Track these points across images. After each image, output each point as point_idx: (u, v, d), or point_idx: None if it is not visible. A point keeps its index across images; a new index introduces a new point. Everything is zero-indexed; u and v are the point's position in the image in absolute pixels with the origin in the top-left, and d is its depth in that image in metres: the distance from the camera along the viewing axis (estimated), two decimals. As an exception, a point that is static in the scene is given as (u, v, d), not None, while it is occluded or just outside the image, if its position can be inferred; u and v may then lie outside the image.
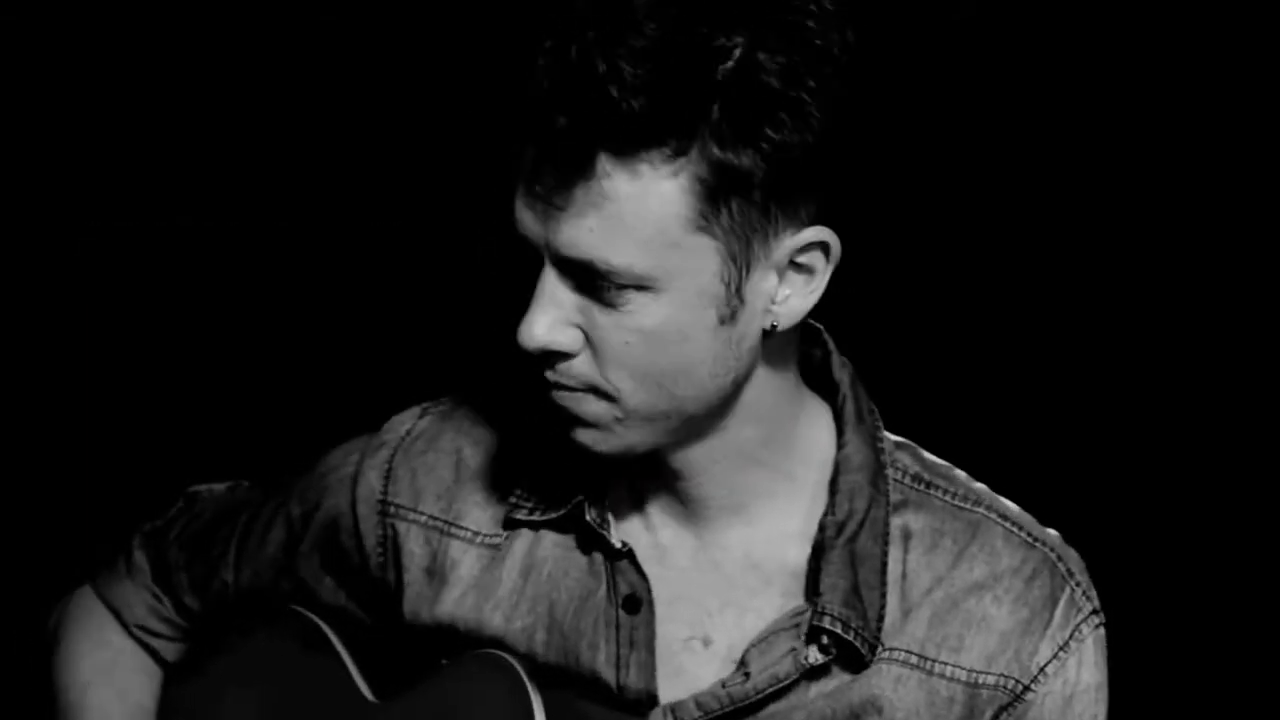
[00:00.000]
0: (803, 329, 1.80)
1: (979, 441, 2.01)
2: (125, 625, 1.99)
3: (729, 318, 1.65)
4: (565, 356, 1.66)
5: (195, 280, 2.82)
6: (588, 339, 1.65)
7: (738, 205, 1.60)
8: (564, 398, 1.68)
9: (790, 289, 1.67)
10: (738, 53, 1.57)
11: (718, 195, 1.59)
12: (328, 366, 2.81)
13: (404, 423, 1.90)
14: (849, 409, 1.79)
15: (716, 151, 1.58)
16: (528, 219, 1.63)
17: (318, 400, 2.76)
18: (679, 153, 1.58)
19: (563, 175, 1.59)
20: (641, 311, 1.63)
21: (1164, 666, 2.72)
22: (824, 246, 1.66)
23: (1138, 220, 2.73)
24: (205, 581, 1.96)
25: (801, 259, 1.66)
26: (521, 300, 1.67)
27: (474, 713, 1.77)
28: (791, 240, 1.64)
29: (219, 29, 2.74)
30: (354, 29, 2.74)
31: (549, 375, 1.67)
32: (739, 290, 1.64)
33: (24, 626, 2.11)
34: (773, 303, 1.67)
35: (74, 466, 2.81)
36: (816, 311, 1.75)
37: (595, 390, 1.67)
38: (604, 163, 1.58)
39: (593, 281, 1.62)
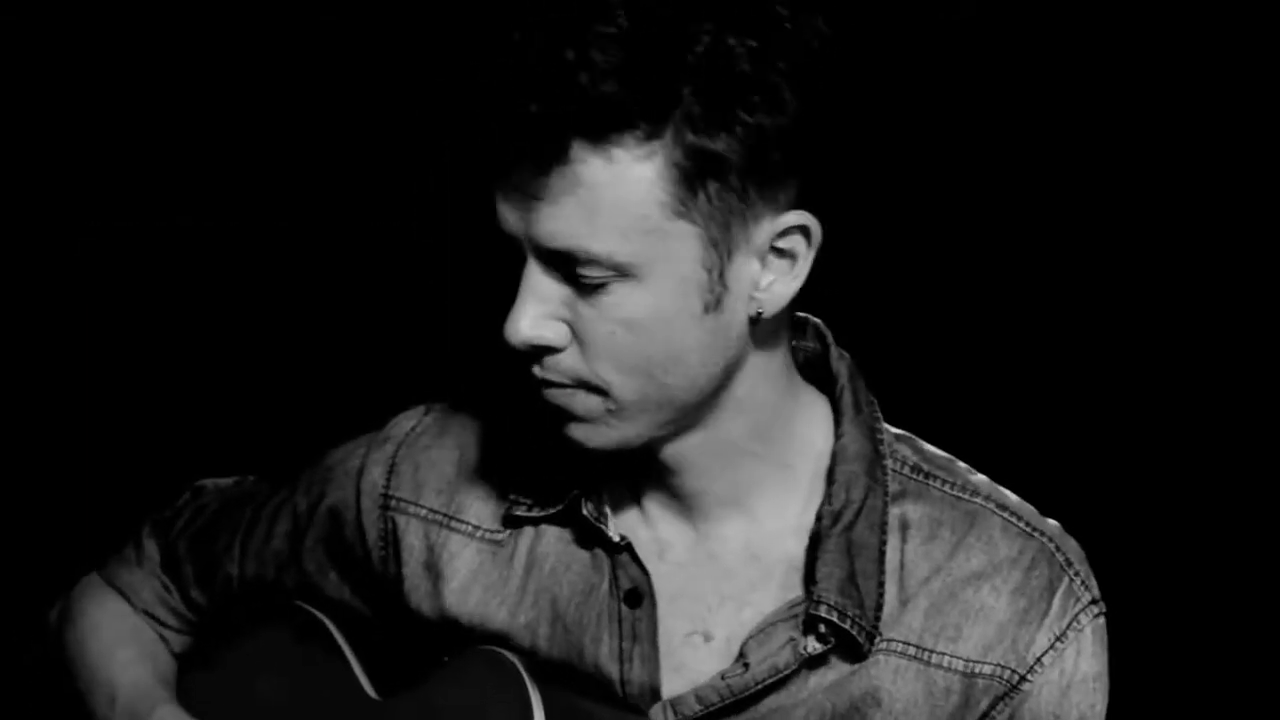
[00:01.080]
0: (801, 323, 1.80)
1: (981, 435, 2.02)
2: (134, 607, 2.00)
3: (713, 305, 1.65)
4: (552, 351, 1.66)
5: (197, 280, 2.82)
6: (574, 333, 1.65)
7: (715, 189, 1.60)
8: (555, 394, 1.68)
9: (773, 274, 1.67)
10: (707, 38, 1.58)
11: (694, 179, 1.59)
12: (332, 365, 2.81)
13: (409, 420, 1.91)
14: (846, 400, 1.79)
15: (690, 136, 1.58)
16: (508, 213, 1.63)
17: (323, 398, 2.77)
18: (652, 136, 1.58)
19: (538, 164, 1.59)
20: (625, 301, 1.63)
21: (1167, 658, 2.72)
22: (805, 231, 1.66)
23: (1135, 213, 2.73)
24: (210, 575, 1.97)
25: (783, 244, 1.66)
26: (508, 298, 1.67)
27: (474, 710, 1.77)
28: (771, 225, 1.64)
29: (219, 29, 2.74)
30: (354, 29, 2.73)
31: (538, 372, 1.67)
32: (722, 276, 1.64)
33: (25, 625, 2.11)
34: (756, 289, 1.66)
35: (77, 465, 2.81)
36: (817, 306, 1.76)
37: (585, 384, 1.67)
38: (577, 149, 1.58)
39: (575, 272, 1.62)
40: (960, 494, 1.79)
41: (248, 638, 1.94)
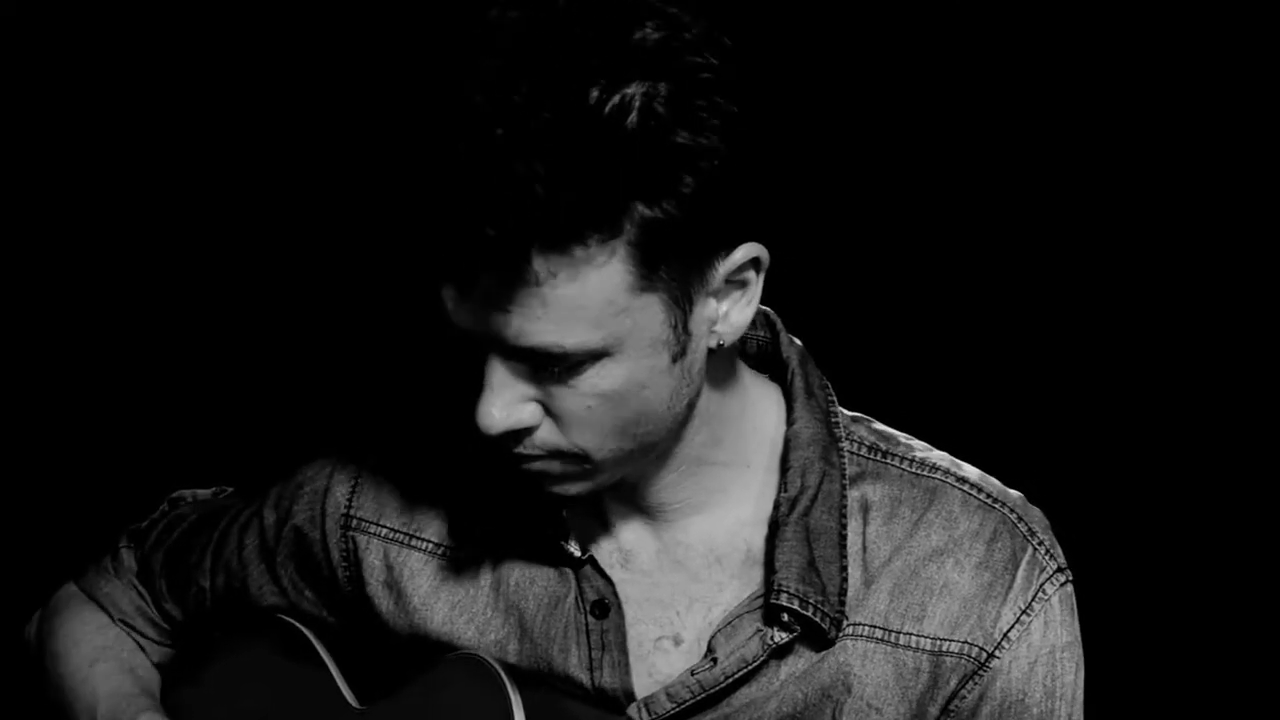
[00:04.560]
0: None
1: (946, 416, 1.99)
2: (112, 619, 2.01)
3: (679, 354, 1.63)
4: (529, 430, 1.64)
5: (187, 285, 2.83)
6: (546, 409, 1.63)
7: (674, 255, 1.58)
8: (534, 465, 1.66)
9: (728, 305, 1.65)
10: (634, 115, 1.52)
11: (652, 254, 1.56)
12: (311, 377, 2.81)
13: (374, 440, 1.91)
14: (798, 385, 1.77)
15: (644, 211, 1.54)
16: (466, 317, 1.59)
17: (302, 408, 2.76)
18: (613, 233, 1.54)
19: (501, 279, 1.55)
20: (598, 377, 1.60)
21: (1146, 634, 2.67)
22: (754, 261, 1.64)
23: (1120, 204, 2.70)
24: (183, 588, 1.98)
25: (736, 277, 1.64)
26: (469, 378, 1.64)
27: (454, 714, 1.76)
28: (724, 265, 1.62)
29: (219, 29, 2.74)
30: (354, 29, 2.74)
31: (516, 450, 1.65)
32: (685, 326, 1.62)
33: (15, 628, 2.13)
34: (714, 324, 1.65)
35: (62, 468, 2.82)
36: (783, 300, 1.74)
37: (562, 454, 1.65)
38: (539, 261, 1.53)
39: (546, 363, 1.59)
40: (919, 471, 1.76)
41: (230, 652, 1.95)
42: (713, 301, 1.63)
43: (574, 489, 1.69)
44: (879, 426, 1.81)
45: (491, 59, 1.53)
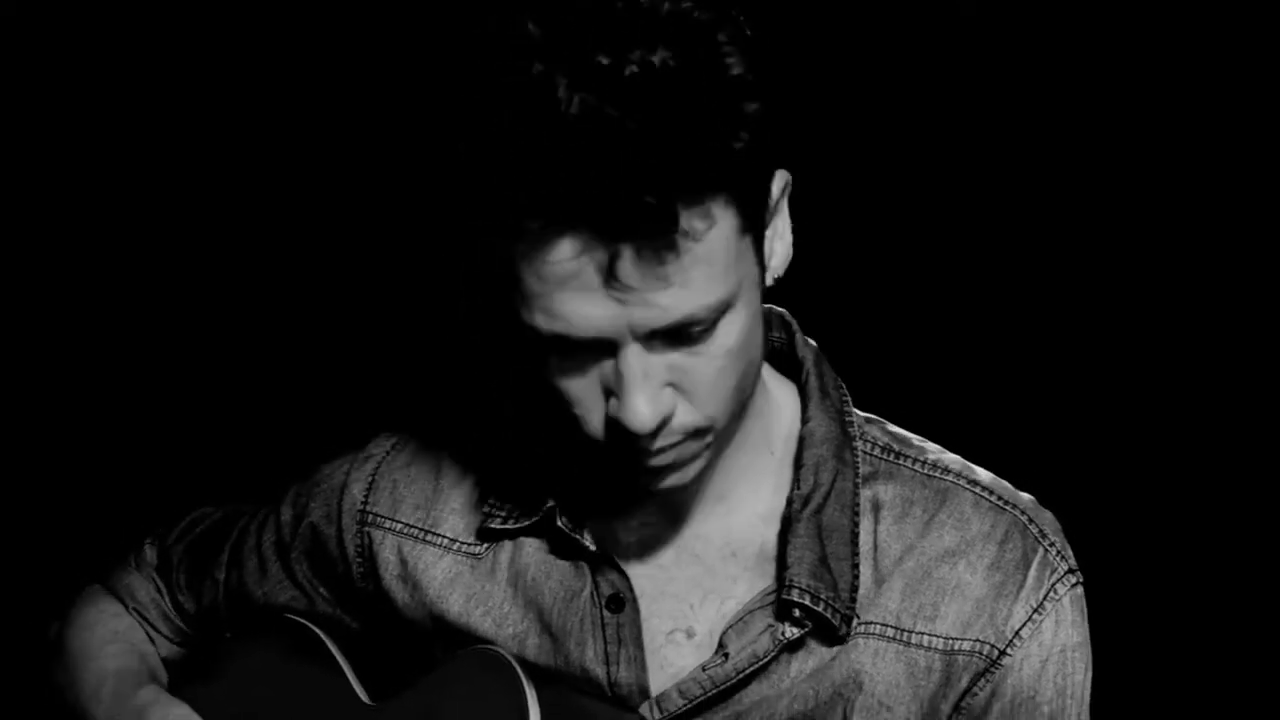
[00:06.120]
0: (765, 315, 1.80)
1: (959, 420, 2.00)
2: (126, 608, 2.02)
3: (763, 293, 1.63)
4: (667, 421, 1.61)
5: (194, 290, 2.83)
6: (679, 388, 1.60)
7: (755, 187, 1.58)
8: (667, 457, 1.63)
9: (771, 235, 1.64)
10: (702, 50, 1.52)
11: (745, 190, 1.57)
12: (327, 378, 2.82)
13: (389, 437, 1.92)
14: (812, 384, 1.79)
15: (737, 147, 1.53)
16: (600, 313, 1.54)
17: (316, 414, 2.77)
18: (725, 175, 1.53)
19: (650, 251, 1.51)
20: (726, 332, 1.59)
21: (1154, 635, 2.69)
22: (785, 186, 1.65)
23: (1132, 211, 2.72)
24: (199, 581, 2.00)
25: (777, 206, 1.65)
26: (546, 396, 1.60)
27: (469, 708, 1.77)
28: (772, 195, 1.63)
29: (219, 29, 2.75)
30: (354, 30, 2.74)
31: (652, 446, 1.61)
32: (763, 261, 1.63)
33: (25, 629, 2.13)
34: (769, 258, 1.65)
35: (78, 476, 2.83)
36: (787, 299, 1.75)
37: (693, 432, 1.63)
38: (685, 220, 1.51)
39: (684, 334, 1.57)
40: (931, 472, 1.78)
41: (242, 653, 1.96)
42: (767, 233, 1.64)
43: (690, 473, 1.66)
44: (893, 428, 1.82)
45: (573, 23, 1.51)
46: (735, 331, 1.59)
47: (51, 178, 2.78)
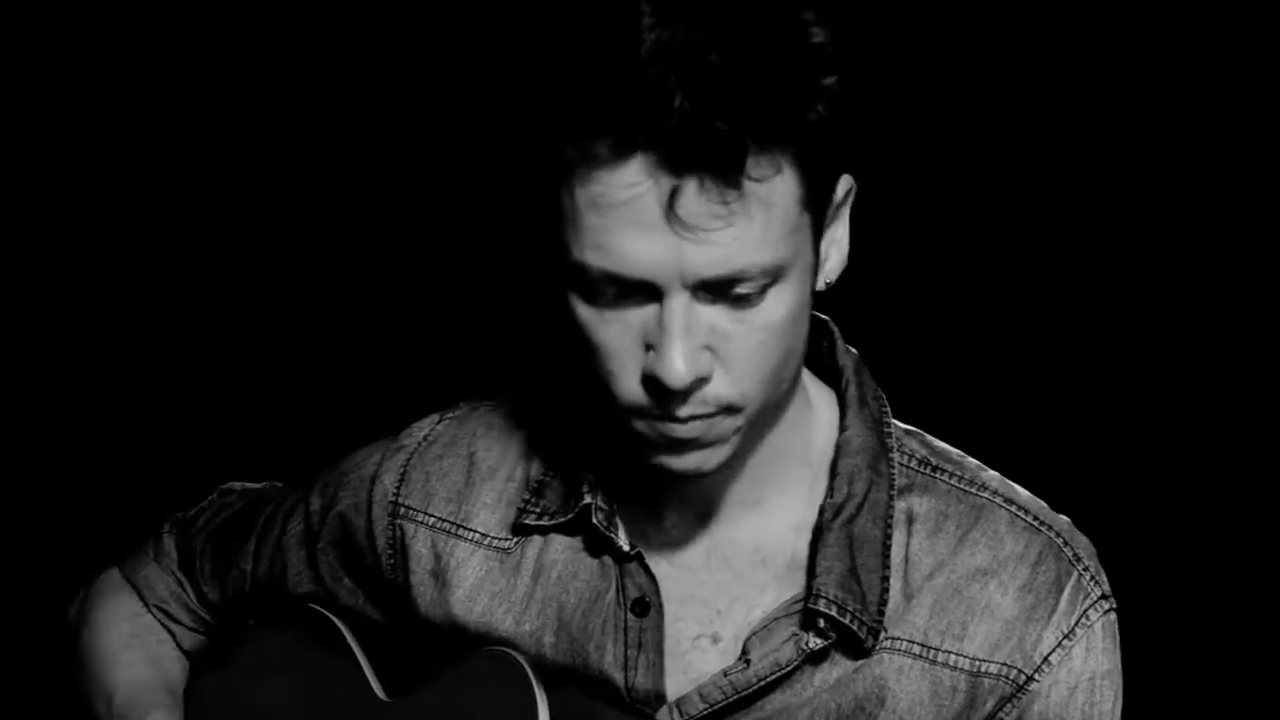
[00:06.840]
0: (813, 321, 1.77)
1: (997, 434, 1.99)
2: (146, 603, 1.98)
3: (813, 287, 1.61)
4: (701, 384, 1.58)
5: (212, 283, 2.81)
6: (717, 356, 1.57)
7: (820, 168, 1.56)
8: (695, 428, 1.60)
9: (827, 239, 1.63)
10: (778, 9, 1.51)
11: (810, 163, 1.54)
12: (357, 369, 2.80)
13: (422, 428, 1.89)
14: (851, 393, 1.77)
15: (810, 115, 1.51)
16: (653, 256, 1.51)
17: (345, 405, 2.74)
18: (795, 131, 1.51)
19: (714, 186, 1.49)
20: (773, 305, 1.56)
21: (1182, 658, 2.69)
22: (849, 192, 1.63)
23: (1137, 213, 2.72)
24: (224, 571, 1.96)
25: (839, 209, 1.63)
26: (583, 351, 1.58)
27: (479, 710, 1.75)
28: (835, 194, 1.61)
29: (219, 29, 2.72)
30: (355, 30, 2.72)
31: (681, 411, 1.58)
32: (819, 253, 1.61)
33: (31, 626, 2.10)
34: (825, 260, 1.63)
35: (98, 465, 2.81)
36: (832, 308, 1.73)
37: (725, 408, 1.60)
38: (751, 164, 1.49)
39: (730, 291, 1.54)
40: (968, 488, 1.76)
41: (261, 640, 1.93)
42: (826, 235, 1.62)
43: (715, 459, 1.63)
44: (933, 441, 1.80)
45: None
46: (782, 308, 1.57)
47: (58, 176, 2.75)
